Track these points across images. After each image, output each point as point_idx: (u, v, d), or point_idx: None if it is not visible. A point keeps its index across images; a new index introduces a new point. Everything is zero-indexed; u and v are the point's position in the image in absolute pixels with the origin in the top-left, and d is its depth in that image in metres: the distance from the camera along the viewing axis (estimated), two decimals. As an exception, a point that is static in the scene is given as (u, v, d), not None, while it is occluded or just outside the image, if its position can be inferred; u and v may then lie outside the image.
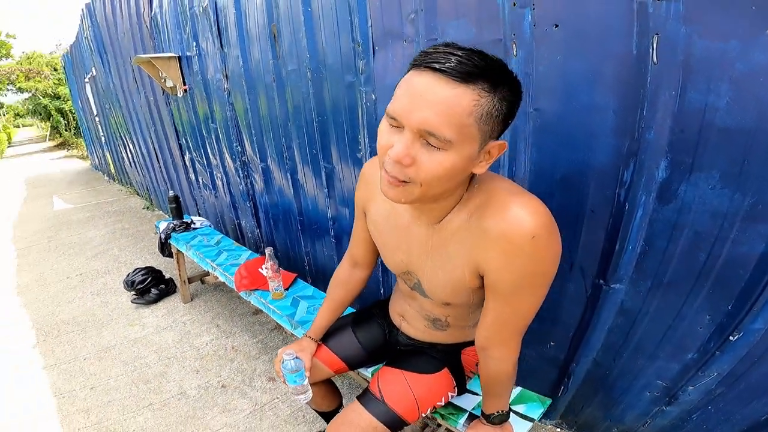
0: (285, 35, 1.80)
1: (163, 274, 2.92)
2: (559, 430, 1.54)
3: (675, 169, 0.91)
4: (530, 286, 0.75)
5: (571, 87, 1.00)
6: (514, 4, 1.03)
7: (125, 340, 2.34)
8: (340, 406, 1.37)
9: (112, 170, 7.25)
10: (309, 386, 1.13)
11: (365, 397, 1.03)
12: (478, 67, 0.59)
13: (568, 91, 1.01)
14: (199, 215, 3.77)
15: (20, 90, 16.97)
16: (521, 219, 0.69)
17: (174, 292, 2.89)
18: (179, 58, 2.91)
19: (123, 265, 3.44)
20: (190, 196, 3.87)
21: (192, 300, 2.74)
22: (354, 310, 1.32)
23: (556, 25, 0.99)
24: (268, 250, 1.72)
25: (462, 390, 1.12)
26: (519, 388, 1.19)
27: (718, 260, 0.92)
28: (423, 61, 0.62)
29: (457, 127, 0.61)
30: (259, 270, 1.90)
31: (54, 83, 15.29)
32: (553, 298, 1.25)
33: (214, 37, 2.33)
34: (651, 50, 0.86)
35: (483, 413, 1.00)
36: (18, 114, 29.67)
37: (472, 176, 0.76)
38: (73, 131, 14.50)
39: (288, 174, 2.21)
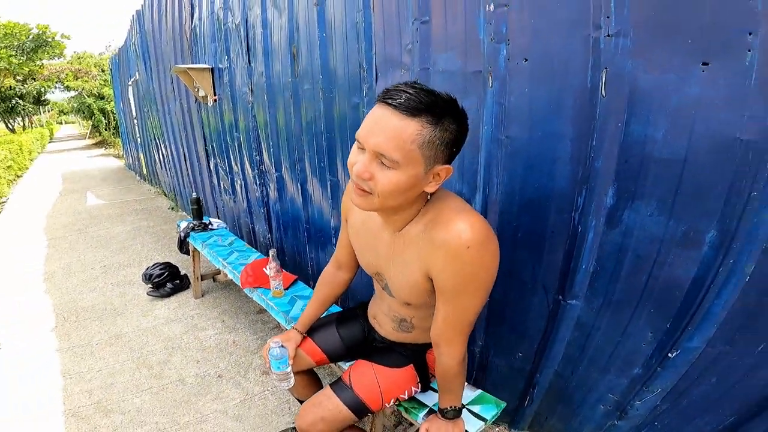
0: (303, 56, 2.00)
1: (179, 270, 3.12)
2: (528, 441, 1.61)
3: (621, 196, 1.02)
4: (467, 289, 0.88)
5: (536, 116, 1.13)
6: (492, 39, 1.17)
7: (136, 329, 2.52)
8: None
9: (144, 171, 7.66)
10: (291, 374, 1.24)
11: (337, 384, 1.15)
12: (423, 103, 0.75)
13: (533, 120, 1.14)
14: (219, 218, 3.99)
15: (68, 88, 18.04)
16: (459, 232, 0.83)
17: (187, 287, 3.08)
18: (212, 69, 3.17)
19: (144, 260, 3.67)
20: (212, 199, 4.11)
21: (203, 296, 2.92)
22: (340, 309, 1.45)
23: (526, 59, 1.12)
24: (272, 252, 1.88)
25: (426, 387, 1.23)
26: (479, 391, 1.29)
27: (657, 281, 1.02)
28: (383, 97, 0.78)
29: (402, 151, 0.76)
30: (264, 269, 2.06)
31: (100, 83, 16.22)
32: (521, 312, 1.35)
33: (243, 52, 2.56)
34: (600, 84, 0.99)
35: (439, 408, 1.11)
36: (62, 111, 31.35)
37: (430, 193, 0.90)
38: (112, 131, 15.30)
39: (299, 184, 2.38)
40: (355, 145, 0.84)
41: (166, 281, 3.01)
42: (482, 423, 1.18)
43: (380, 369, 1.16)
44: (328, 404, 1.11)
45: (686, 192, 0.93)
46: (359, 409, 1.11)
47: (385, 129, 0.76)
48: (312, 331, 1.34)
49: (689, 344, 1.02)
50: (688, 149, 0.91)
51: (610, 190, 1.03)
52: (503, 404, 1.24)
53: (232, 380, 2.01)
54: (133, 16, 5.33)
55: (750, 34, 0.78)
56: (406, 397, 1.19)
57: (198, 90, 3.41)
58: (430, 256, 0.89)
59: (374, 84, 1.64)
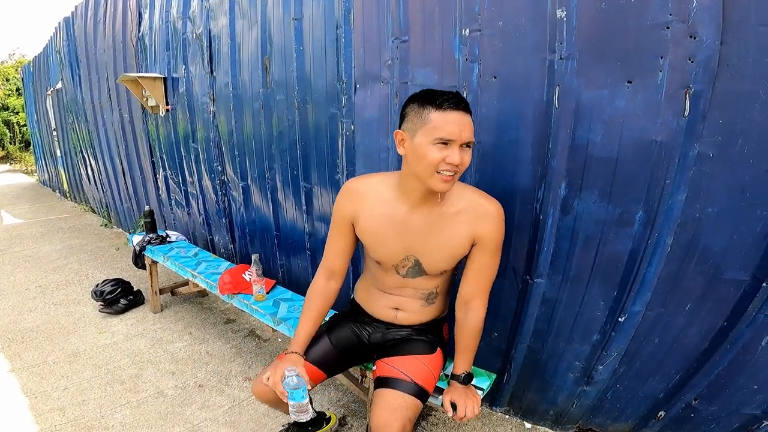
0: (276, 67, 2.10)
1: (132, 285, 2.99)
2: (507, 416, 1.81)
3: (571, 188, 1.28)
4: (499, 247, 1.21)
5: (503, 124, 1.37)
6: (467, 59, 1.40)
7: (95, 345, 2.40)
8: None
9: (65, 187, 7.04)
10: (310, 404, 1.13)
11: (397, 383, 1.18)
12: (467, 102, 1.08)
13: (500, 128, 1.38)
14: (169, 230, 3.85)
15: (-32, 101, 15.87)
16: (497, 205, 1.19)
17: (142, 303, 2.96)
18: (165, 78, 3.12)
19: (84, 278, 3.45)
20: (159, 212, 3.96)
21: (162, 310, 2.84)
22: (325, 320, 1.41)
23: (495, 77, 1.36)
24: (255, 257, 1.94)
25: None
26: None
27: (603, 256, 1.29)
28: (449, 104, 1.04)
29: (473, 135, 1.09)
30: (243, 276, 2.10)
31: (5, 94, 14.51)
32: (494, 295, 1.57)
33: (205, 62, 2.59)
34: (554, 98, 1.24)
35: (453, 375, 1.24)
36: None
37: None
38: (18, 145, 13.77)
39: (268, 193, 2.45)
40: (434, 146, 1.04)
41: (119, 297, 2.87)
42: (481, 392, 1.36)
43: (421, 357, 1.26)
44: (408, 403, 1.14)
45: (619, 182, 1.20)
46: (423, 396, 1.20)
47: (468, 125, 1.06)
48: (308, 354, 1.28)
49: (633, 308, 1.29)
50: (619, 150, 1.18)
51: (563, 183, 1.29)
52: (494, 375, 1.45)
53: (215, 388, 2.01)
54: (59, 23, 4.99)
55: (661, 57, 1.07)
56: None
57: (147, 99, 3.33)
58: (478, 226, 1.17)
59: (353, 96, 1.79)
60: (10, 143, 14.20)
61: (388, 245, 1.22)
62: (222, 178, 2.83)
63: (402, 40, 1.54)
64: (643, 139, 1.14)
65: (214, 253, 3.26)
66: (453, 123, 1.03)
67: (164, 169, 3.58)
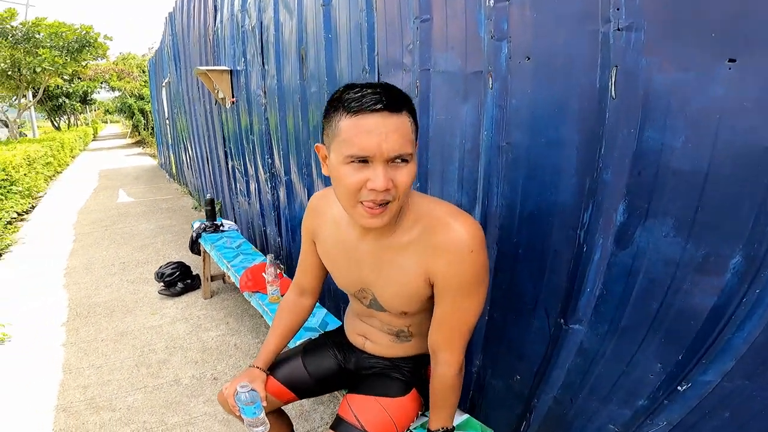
0: (311, 58, 1.95)
1: (191, 270, 3.14)
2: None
3: (632, 213, 0.90)
4: (470, 290, 0.88)
5: (539, 121, 1.03)
6: (492, 37, 1.08)
7: (142, 327, 2.53)
8: None
9: (173, 170, 7.89)
10: (265, 418, 1.09)
11: (341, 426, 1.02)
12: (396, 97, 0.77)
13: (535, 125, 1.04)
14: (235, 220, 4.02)
15: (112, 88, 18.94)
16: (462, 235, 0.84)
17: (198, 287, 3.09)
18: (231, 71, 3.19)
19: (162, 258, 3.73)
20: (230, 201, 4.14)
21: (212, 296, 2.92)
22: (304, 340, 1.31)
23: (528, 57, 1.02)
24: (269, 257, 1.83)
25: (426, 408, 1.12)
26: (466, 415, 1.18)
27: (671, 309, 0.89)
28: (358, 107, 0.74)
29: (411, 143, 0.78)
30: (263, 274, 2.01)
31: (141, 84, 16.95)
32: (520, 334, 1.24)
33: (258, 54, 2.56)
34: (610, 84, 0.87)
35: (428, 430, 1.01)
36: (108, 110, 32.99)
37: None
38: (149, 131, 15.96)
39: (306, 189, 2.34)
40: (348, 166, 0.77)
41: (177, 280, 3.03)
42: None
43: (385, 400, 1.05)
44: None
45: (709, 209, 0.80)
46: None
47: (394, 131, 0.74)
48: (274, 368, 1.19)
49: (703, 378, 0.88)
50: (711, 160, 0.78)
51: (621, 205, 0.91)
52: (490, 431, 1.14)
53: (227, 383, 1.97)
54: (165, 18, 5.49)
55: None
56: (417, 424, 1.10)
57: (218, 92, 3.45)
58: (431, 260, 0.88)
59: (378, 86, 1.56)
60: (144, 129, 16.52)
61: (342, 273, 1.04)
62: (272, 171, 2.80)
63: (423, 19, 1.27)
64: (752, 146, 0.74)
65: (266, 246, 3.28)
66: (367, 132, 0.73)
67: (231, 159, 3.71)
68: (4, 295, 3.10)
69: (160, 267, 3.11)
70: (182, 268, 3.09)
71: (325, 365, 1.20)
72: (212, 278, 2.96)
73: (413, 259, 0.89)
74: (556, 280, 1.09)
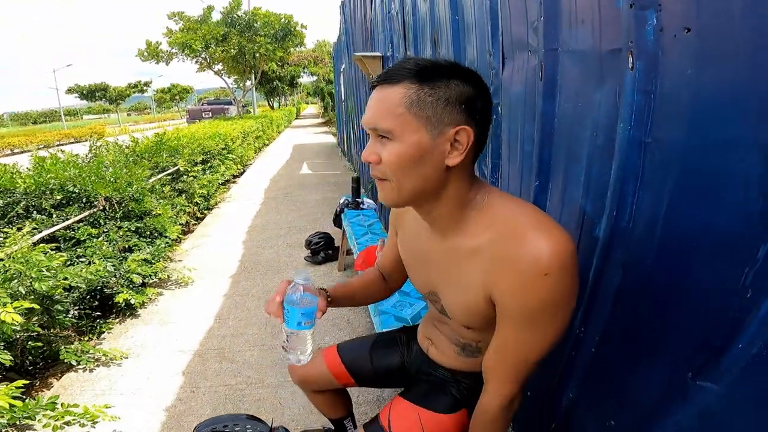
0: (442, 43, 1.83)
1: (334, 241, 3.44)
2: None
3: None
4: (536, 320, 0.73)
5: (703, 113, 0.71)
6: (632, 6, 0.79)
7: (283, 288, 2.90)
8: (347, 415, 1.38)
9: (345, 148, 8.78)
10: (311, 346, 0.87)
11: (372, 427, 1.02)
12: (405, 69, 0.69)
13: (697, 119, 0.72)
14: (376, 200, 4.23)
15: (311, 74, 22.05)
16: (538, 252, 0.68)
17: (336, 259, 3.38)
18: (383, 57, 3.28)
19: (318, 227, 4.20)
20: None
21: (344, 270, 3.16)
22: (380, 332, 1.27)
23: (687, 29, 0.71)
24: (381, 240, 1.85)
25: None
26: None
27: None
28: (372, 83, 0.74)
29: (392, 116, 0.69)
30: (376, 253, 2.05)
31: (329, 70, 19.26)
32: (629, 376, 0.95)
33: (401, 39, 2.54)
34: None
35: None
36: (308, 93, 38.68)
37: (472, 182, 0.77)
38: (334, 111, 18.11)
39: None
40: None
41: (321, 249, 3.37)
42: None
43: (426, 414, 0.99)
44: None
45: None
46: None
47: (374, 103, 0.72)
48: (344, 347, 1.23)
49: None
50: None
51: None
52: None
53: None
54: (339, 7, 6.00)
55: None
56: None
57: (372, 77, 3.61)
58: (495, 277, 0.74)
59: (500, 71, 1.37)
60: (331, 111, 18.77)
61: (415, 272, 0.96)
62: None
63: (548, -13, 1.02)
64: None
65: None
66: (368, 106, 0.75)
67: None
68: (203, 242, 3.97)
69: (310, 235, 3.50)
70: (327, 239, 3.42)
71: (389, 360, 1.18)
72: (348, 252, 3.19)
73: (477, 269, 0.77)
74: (696, 325, 0.78)
